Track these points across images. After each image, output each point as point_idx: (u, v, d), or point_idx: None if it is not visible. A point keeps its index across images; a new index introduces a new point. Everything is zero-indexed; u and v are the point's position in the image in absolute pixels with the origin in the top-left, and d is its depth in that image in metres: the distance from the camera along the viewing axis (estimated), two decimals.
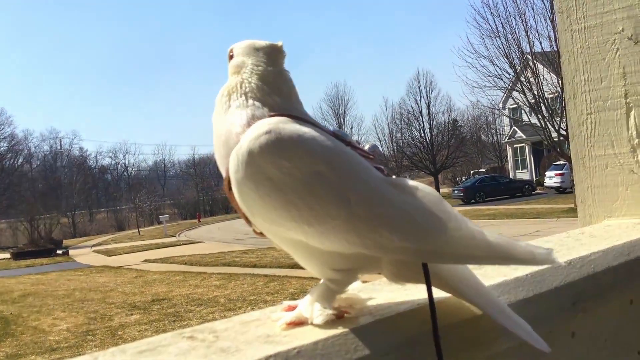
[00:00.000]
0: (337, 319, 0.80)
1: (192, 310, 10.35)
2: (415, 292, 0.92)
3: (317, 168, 0.76)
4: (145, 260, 22.85)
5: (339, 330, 0.76)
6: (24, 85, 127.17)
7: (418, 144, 47.24)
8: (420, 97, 47.78)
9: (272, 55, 0.88)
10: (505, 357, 0.95)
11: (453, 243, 0.77)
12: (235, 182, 0.78)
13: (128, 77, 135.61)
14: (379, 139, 51.17)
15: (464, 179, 48.23)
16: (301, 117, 0.82)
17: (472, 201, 33.97)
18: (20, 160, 66.34)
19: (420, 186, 0.81)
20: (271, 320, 0.83)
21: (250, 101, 0.83)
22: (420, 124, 47.49)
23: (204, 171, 75.32)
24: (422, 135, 47.27)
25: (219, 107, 0.85)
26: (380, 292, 0.96)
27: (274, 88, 0.85)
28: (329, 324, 0.78)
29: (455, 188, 39.04)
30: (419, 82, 47.95)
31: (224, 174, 0.81)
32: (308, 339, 0.73)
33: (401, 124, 49.42)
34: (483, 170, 53.81)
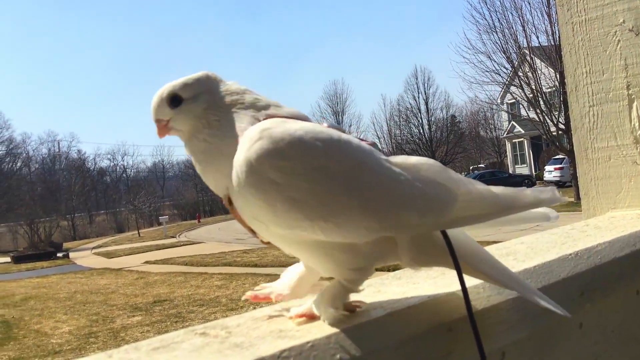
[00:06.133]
0: (349, 313, 0.80)
1: (194, 310, 10.35)
2: (425, 286, 0.93)
3: (318, 161, 0.75)
4: (146, 262, 22.84)
5: (352, 323, 0.76)
6: (21, 89, 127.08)
7: (417, 140, 47.28)
8: (418, 93, 47.82)
9: (214, 80, 0.85)
10: (519, 346, 0.96)
11: (467, 207, 0.80)
12: (239, 195, 0.76)
13: (125, 78, 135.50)
14: (377, 136, 51.10)
15: (463, 175, 48.20)
16: (291, 116, 0.82)
17: None
18: (18, 164, 66.35)
19: (422, 160, 0.82)
20: (285, 317, 0.83)
21: (239, 122, 0.81)
22: (418, 121, 47.54)
23: None
24: (421, 131, 47.31)
25: (212, 152, 0.81)
26: (389, 286, 0.97)
27: (252, 102, 0.83)
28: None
29: None
30: (416, 79, 47.99)
31: (221, 194, 0.81)
32: (321, 333, 0.74)
33: (400, 121, 49.45)
34: (482, 165, 53.88)
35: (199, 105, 0.81)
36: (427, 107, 47.63)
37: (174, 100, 0.82)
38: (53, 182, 70.18)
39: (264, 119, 0.80)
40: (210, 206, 71.19)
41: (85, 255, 30.82)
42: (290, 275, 0.91)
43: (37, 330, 10.17)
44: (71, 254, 32.66)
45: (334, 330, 0.75)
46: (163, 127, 0.83)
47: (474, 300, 0.88)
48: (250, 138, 0.76)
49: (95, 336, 9.19)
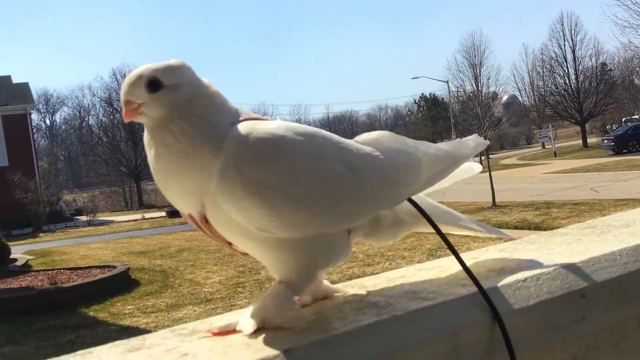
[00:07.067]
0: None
1: None
2: (559, 251, 0.93)
3: (310, 153, 0.74)
4: None
5: (487, 286, 0.79)
6: (167, 53, 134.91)
7: (562, 91, 44.47)
8: (564, 41, 44.73)
9: (193, 73, 0.78)
10: None
11: (430, 167, 0.84)
12: (235, 207, 0.71)
13: (264, 39, 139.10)
14: (518, 88, 48.60)
15: (614, 128, 44.73)
16: (257, 118, 0.78)
17: (624, 151, 31.39)
18: None
19: (380, 133, 0.85)
20: (415, 277, 0.88)
21: (213, 124, 0.74)
22: (564, 70, 44.60)
23: (338, 129, 76.33)
24: (567, 82, 44.39)
25: (177, 149, 0.72)
26: (522, 251, 0.98)
27: (223, 104, 0.78)
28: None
29: (605, 137, 36.30)
30: (562, 25, 44.84)
31: (194, 211, 0.75)
32: (453, 295, 0.78)
33: (543, 72, 46.68)
34: (637, 117, 49.56)
35: (180, 95, 0.74)
36: (574, 56, 44.51)
37: (153, 84, 0.74)
38: None
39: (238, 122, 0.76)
40: None
41: None
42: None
43: (190, 279, 11.01)
44: None
45: (470, 291, 0.78)
46: (132, 111, 0.74)
47: (611, 267, 0.87)
48: (237, 147, 0.72)
49: (242, 286, 9.80)
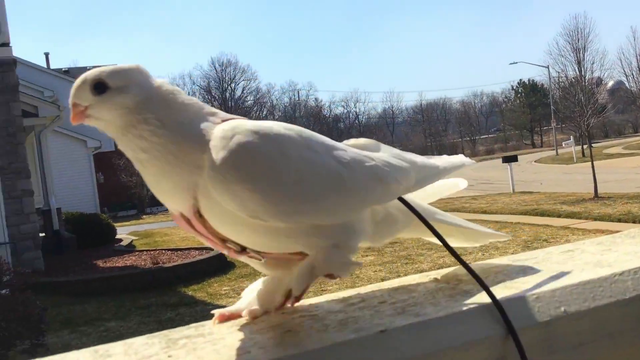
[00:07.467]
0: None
1: (423, 253, 10.61)
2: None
3: (299, 145, 0.76)
4: None
5: (574, 281, 0.80)
6: (266, 43, 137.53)
7: None
8: None
9: (146, 75, 0.79)
10: None
11: (422, 170, 0.86)
12: (227, 193, 0.71)
13: (356, 27, 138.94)
14: (625, 74, 45.84)
15: None
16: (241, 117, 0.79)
17: None
18: (264, 112, 72.37)
19: (366, 140, 0.87)
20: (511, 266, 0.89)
21: (181, 121, 0.76)
22: None
23: (431, 117, 75.12)
24: None
25: (159, 151, 0.74)
26: (621, 245, 0.97)
27: (186, 104, 0.78)
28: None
29: None
30: None
31: (186, 207, 0.75)
32: (541, 287, 0.79)
33: None
34: None
35: (128, 97, 0.75)
36: None
37: (98, 86, 0.76)
38: None
39: (221, 121, 0.77)
40: (438, 151, 70.93)
41: None
42: (255, 291, 0.86)
43: None
44: None
45: (565, 284, 0.79)
46: (79, 113, 0.76)
47: None
48: (225, 137, 0.73)
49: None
